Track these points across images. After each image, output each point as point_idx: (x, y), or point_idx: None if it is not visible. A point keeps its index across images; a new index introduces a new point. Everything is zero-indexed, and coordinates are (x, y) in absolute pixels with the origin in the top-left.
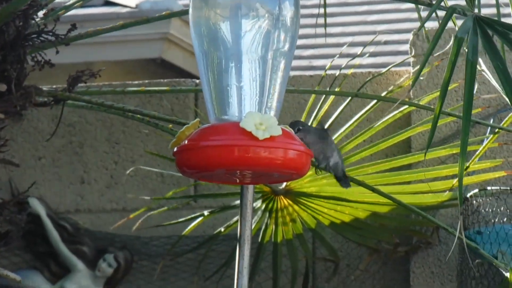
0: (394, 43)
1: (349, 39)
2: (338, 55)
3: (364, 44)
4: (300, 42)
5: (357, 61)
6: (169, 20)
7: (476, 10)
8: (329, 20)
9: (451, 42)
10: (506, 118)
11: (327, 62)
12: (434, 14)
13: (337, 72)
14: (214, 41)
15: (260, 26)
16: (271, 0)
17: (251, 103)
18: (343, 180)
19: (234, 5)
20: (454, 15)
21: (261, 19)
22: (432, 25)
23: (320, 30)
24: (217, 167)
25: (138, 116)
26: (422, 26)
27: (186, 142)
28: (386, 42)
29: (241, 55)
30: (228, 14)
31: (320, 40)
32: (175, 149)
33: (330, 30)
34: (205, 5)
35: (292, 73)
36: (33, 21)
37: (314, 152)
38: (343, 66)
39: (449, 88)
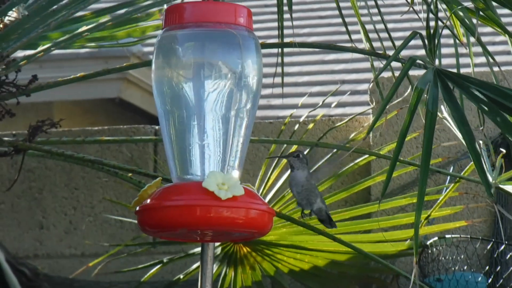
0: (352, 83)
1: (306, 78)
2: (303, 97)
3: (322, 83)
4: None
5: (316, 100)
6: (128, 61)
7: (436, 61)
8: (287, 59)
9: (408, 90)
10: (467, 167)
11: (285, 101)
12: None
13: (296, 112)
14: (176, 100)
15: (223, 85)
16: (234, 59)
17: (214, 161)
18: (328, 221)
19: (197, 65)
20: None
21: (224, 79)
22: (390, 73)
23: (278, 69)
24: (179, 227)
25: (98, 165)
26: (375, 79)
27: (148, 201)
28: (344, 82)
29: (203, 114)
30: (191, 75)
31: (278, 79)
32: (137, 208)
33: (288, 69)
34: (168, 65)
35: None
36: None
37: (297, 197)
38: (303, 116)
39: (408, 138)
